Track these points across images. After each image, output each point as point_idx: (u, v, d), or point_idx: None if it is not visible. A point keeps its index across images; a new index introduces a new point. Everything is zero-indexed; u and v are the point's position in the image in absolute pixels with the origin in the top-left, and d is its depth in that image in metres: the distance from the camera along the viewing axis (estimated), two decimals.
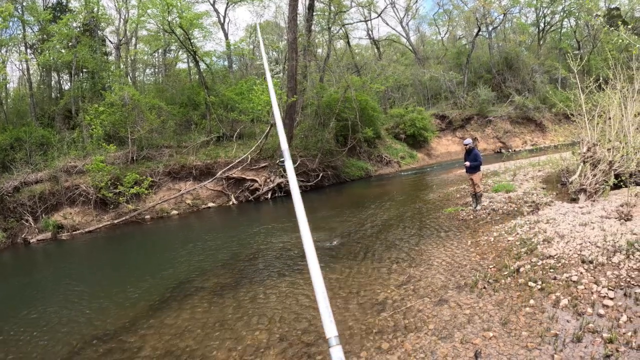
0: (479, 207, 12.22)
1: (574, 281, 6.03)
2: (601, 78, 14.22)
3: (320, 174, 27.40)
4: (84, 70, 30.03)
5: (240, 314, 7.14)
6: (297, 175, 25.23)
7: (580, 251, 6.99)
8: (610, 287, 5.70)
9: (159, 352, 6.16)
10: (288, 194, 24.77)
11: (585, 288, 5.80)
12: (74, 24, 29.42)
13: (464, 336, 5.14)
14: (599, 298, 5.50)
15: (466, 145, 12.29)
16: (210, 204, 24.05)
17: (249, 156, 25.50)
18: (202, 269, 10.63)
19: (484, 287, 6.49)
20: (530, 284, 6.25)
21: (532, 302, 5.70)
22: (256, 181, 25.18)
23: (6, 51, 28.83)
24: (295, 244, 11.95)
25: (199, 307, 7.82)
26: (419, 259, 8.62)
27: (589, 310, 5.26)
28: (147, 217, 21.92)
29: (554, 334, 4.88)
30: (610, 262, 6.40)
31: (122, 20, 34.91)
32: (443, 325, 5.54)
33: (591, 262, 6.50)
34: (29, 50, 29.63)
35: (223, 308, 7.58)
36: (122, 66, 34.47)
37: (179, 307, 7.92)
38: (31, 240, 18.96)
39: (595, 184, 11.16)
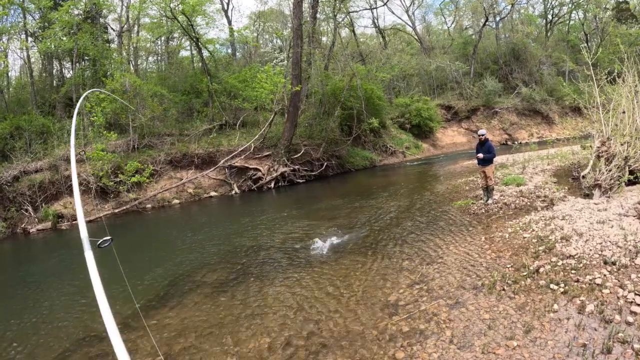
0: (490, 201, 11.85)
1: (598, 284, 5.69)
2: (616, 71, 13.78)
3: (325, 164, 27.09)
4: (86, 58, 29.60)
5: (242, 314, 6.82)
6: (300, 164, 25.30)
7: (601, 251, 6.64)
8: (637, 292, 5.35)
9: (155, 354, 5.83)
10: (292, 184, 24.56)
11: (610, 292, 5.46)
12: (75, 12, 28.95)
13: (485, 345, 4.79)
14: (625, 304, 5.16)
15: (481, 136, 11.85)
16: (213, 193, 23.77)
17: (252, 145, 25.15)
18: (203, 262, 10.33)
19: (503, 289, 6.14)
20: (553, 286, 5.90)
21: (555, 307, 5.35)
22: (259, 170, 24.87)
23: (7, 39, 28.41)
24: (299, 236, 11.68)
25: (199, 305, 7.50)
26: (431, 256, 8.27)
27: (617, 317, 4.92)
28: (148, 206, 21.66)
29: (582, 344, 4.54)
30: (633, 264, 6.07)
31: (124, 7, 34.42)
32: (462, 331, 5.20)
33: (614, 263, 6.16)
34: (29, 38, 29.21)
35: (224, 307, 7.24)
36: (124, 54, 34.04)
37: (178, 305, 7.60)
38: (31, 230, 18.69)
39: (610, 179, 10.79)
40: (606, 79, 13.47)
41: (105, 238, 3.80)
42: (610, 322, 4.86)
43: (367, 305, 6.45)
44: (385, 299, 6.59)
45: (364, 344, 5.35)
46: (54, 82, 30.95)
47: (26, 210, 19.58)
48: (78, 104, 7.74)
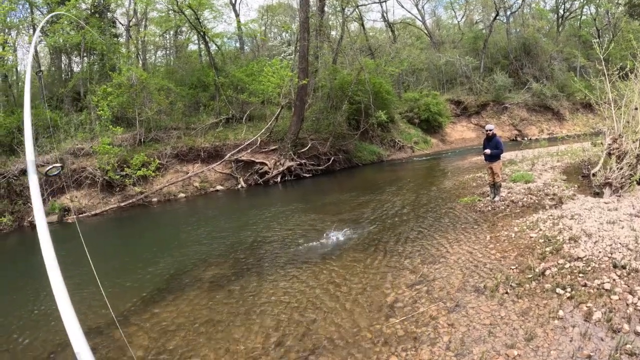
0: (497, 198, 11.57)
1: (606, 289, 5.41)
2: (628, 66, 13.40)
3: (332, 158, 26.88)
4: (94, 52, 29.55)
5: (238, 312, 6.67)
6: (307, 158, 25.13)
7: (611, 254, 6.35)
8: None
9: (146, 351, 5.71)
10: (298, 178, 24.40)
11: (619, 298, 5.18)
12: (83, 6, 28.89)
13: (484, 353, 4.54)
14: (635, 312, 4.88)
15: (488, 131, 11.56)
16: (219, 187, 23.68)
17: (259, 139, 25.00)
18: (203, 257, 10.22)
19: (506, 292, 5.88)
20: (558, 290, 5.62)
21: (561, 313, 5.08)
22: (265, 164, 24.72)
23: (16, 34, 28.45)
24: (303, 231, 11.55)
25: (194, 302, 7.36)
26: (434, 255, 8.04)
27: (625, 326, 4.64)
28: (154, 200, 21.60)
29: (587, 355, 4.28)
30: None
31: (131, 0, 34.30)
32: (460, 337, 4.96)
33: (624, 267, 5.88)
34: (37, 33, 29.14)
35: (219, 304, 7.10)
36: (132, 48, 33.97)
37: (173, 301, 7.46)
38: None
39: (621, 178, 10.49)
40: (618, 74, 13.10)
41: (55, 165, 3.51)
42: (618, 331, 4.59)
43: (364, 306, 6.26)
44: (384, 299, 6.39)
45: (358, 346, 5.16)
46: (62, 76, 31.00)
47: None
48: (36, 34, 7.28)
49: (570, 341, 4.56)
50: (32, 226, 18.42)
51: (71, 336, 2.08)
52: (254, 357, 5.27)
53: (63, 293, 2.30)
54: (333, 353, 5.09)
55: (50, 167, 3.41)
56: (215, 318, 6.56)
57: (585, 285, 5.65)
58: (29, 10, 27.86)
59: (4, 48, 24.07)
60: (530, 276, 6.22)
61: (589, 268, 6.06)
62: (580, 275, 5.93)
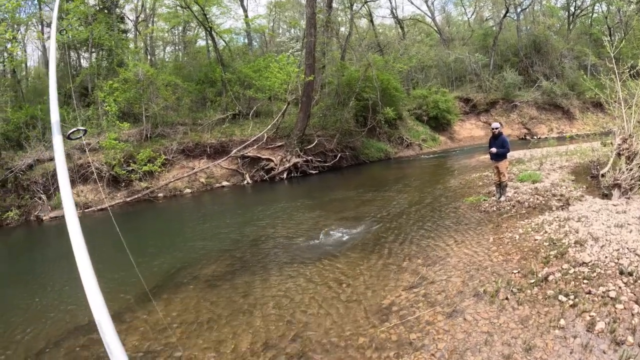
0: (503, 198, 11.36)
1: (611, 298, 5.19)
2: (639, 65, 13.08)
3: (338, 155, 26.73)
4: (102, 48, 29.60)
5: (239, 309, 6.62)
6: (313, 155, 25.00)
7: (618, 259, 6.13)
8: None
9: (137, 349, 5.67)
10: (304, 175, 24.31)
11: (624, 308, 4.96)
12: (92, 2, 28.95)
13: None
14: None
15: (494, 129, 11.34)
16: (225, 183, 23.66)
17: (265, 135, 24.89)
18: (208, 253, 10.23)
19: (506, 298, 5.68)
20: (561, 297, 5.40)
21: (562, 322, 4.87)
22: (272, 160, 24.65)
23: (25, 29, 28.57)
24: (305, 229, 11.48)
25: (198, 297, 7.34)
26: (434, 257, 7.86)
27: (630, 339, 4.43)
28: (160, 195, 21.62)
29: None
30: None
31: None
32: (455, 344, 4.78)
33: (630, 274, 5.65)
34: (46, 29, 29.28)
35: (222, 300, 7.08)
36: (141, 44, 34.02)
37: (169, 299, 7.41)
38: (44, 218, 18.77)
39: (631, 179, 10.23)
40: (629, 73, 12.79)
41: (79, 127, 3.34)
42: (622, 344, 4.38)
43: (359, 308, 6.13)
44: (380, 302, 6.24)
45: (350, 351, 5.03)
46: (70, 71, 31.05)
47: (39, 198, 19.67)
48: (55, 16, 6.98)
49: (571, 353, 4.36)
50: (39, 221, 18.53)
51: (91, 303, 2.03)
52: (253, 353, 5.23)
53: (80, 239, 2.23)
54: (325, 356, 5.00)
55: (74, 129, 3.21)
56: (217, 313, 6.55)
57: (589, 292, 5.43)
58: (37, 7, 27.97)
59: (12, 44, 24.12)
60: (532, 281, 6.01)
61: (594, 274, 5.85)
62: (585, 281, 5.72)
